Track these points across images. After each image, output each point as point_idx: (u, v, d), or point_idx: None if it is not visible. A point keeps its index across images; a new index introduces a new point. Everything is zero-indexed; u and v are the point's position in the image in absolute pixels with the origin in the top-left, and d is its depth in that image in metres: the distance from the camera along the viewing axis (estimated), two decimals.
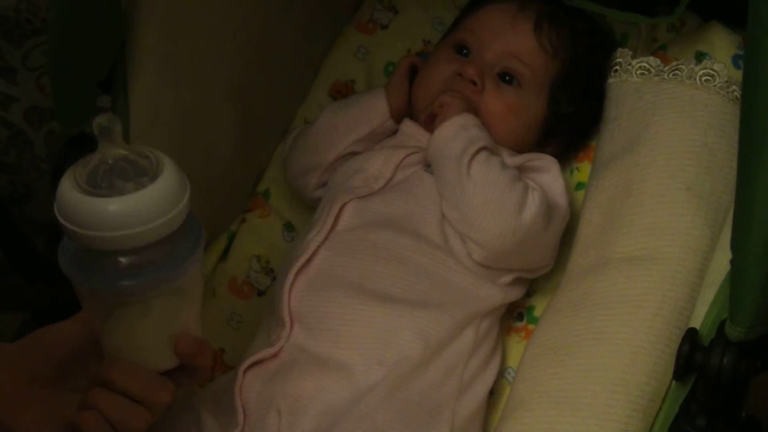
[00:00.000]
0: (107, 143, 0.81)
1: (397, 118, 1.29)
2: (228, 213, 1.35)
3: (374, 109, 1.29)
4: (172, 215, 0.81)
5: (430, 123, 1.23)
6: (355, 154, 1.29)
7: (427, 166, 1.22)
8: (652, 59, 1.24)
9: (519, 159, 1.23)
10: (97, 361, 0.88)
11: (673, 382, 1.00)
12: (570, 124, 1.29)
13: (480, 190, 1.15)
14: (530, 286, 1.27)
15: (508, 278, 1.20)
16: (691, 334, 0.95)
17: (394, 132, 1.30)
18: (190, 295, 0.88)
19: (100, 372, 0.87)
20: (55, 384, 0.88)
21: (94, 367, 0.88)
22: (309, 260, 1.18)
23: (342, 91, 1.42)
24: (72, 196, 0.79)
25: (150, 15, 1.08)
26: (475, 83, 1.23)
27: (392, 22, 1.44)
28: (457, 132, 1.18)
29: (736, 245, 0.87)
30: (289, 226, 1.36)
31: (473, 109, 1.22)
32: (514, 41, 1.25)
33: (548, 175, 1.23)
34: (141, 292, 0.83)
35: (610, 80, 1.27)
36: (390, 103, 1.28)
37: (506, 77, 1.25)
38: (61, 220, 0.80)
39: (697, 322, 0.98)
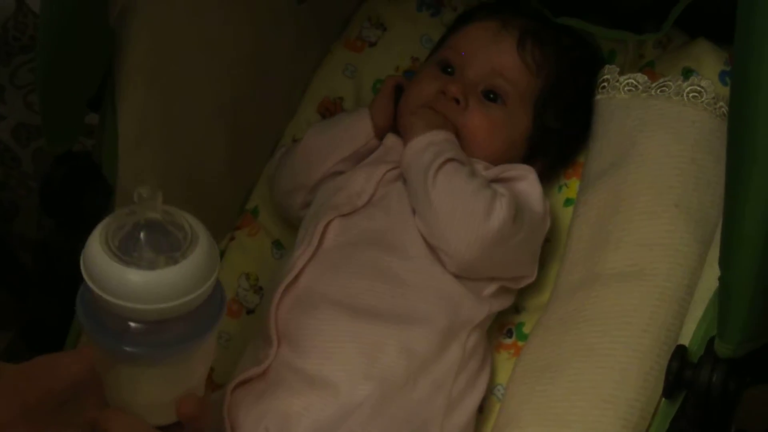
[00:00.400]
0: (144, 208, 0.79)
1: (381, 137, 1.29)
2: (217, 231, 1.33)
3: (358, 129, 1.29)
4: (196, 295, 0.79)
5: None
6: (340, 173, 1.29)
7: (405, 181, 1.22)
8: (639, 76, 1.24)
9: (494, 171, 1.23)
10: (96, 401, 0.86)
11: (663, 399, 1.00)
12: (557, 140, 1.29)
13: (445, 199, 1.15)
14: (519, 303, 1.27)
15: (491, 289, 1.20)
16: (680, 351, 0.95)
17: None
18: (201, 359, 0.86)
19: (99, 420, 0.84)
20: (48, 418, 0.84)
21: (92, 407, 0.85)
22: (296, 278, 1.17)
23: (330, 109, 1.42)
24: (100, 256, 0.77)
25: (138, 33, 1.08)
26: (458, 101, 1.23)
27: (380, 40, 1.44)
28: (426, 146, 1.18)
29: (724, 262, 0.87)
30: (278, 244, 1.36)
31: (450, 126, 1.22)
32: (497, 59, 1.26)
33: (525, 182, 1.22)
34: (149, 360, 0.81)
35: (598, 97, 1.27)
36: (374, 122, 1.29)
37: (490, 95, 1.25)
38: (84, 274, 0.78)
39: (686, 339, 0.98)
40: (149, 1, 1.08)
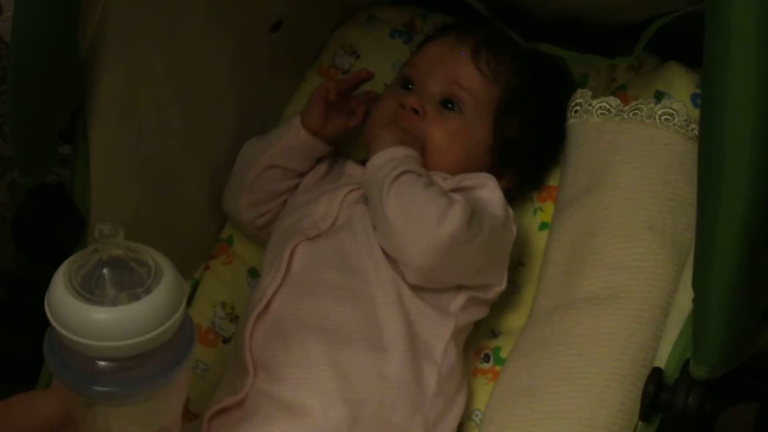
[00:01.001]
0: (107, 245, 0.79)
1: (312, 131, 1.29)
2: (192, 260, 1.35)
3: (288, 126, 1.31)
4: (161, 331, 0.78)
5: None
6: (279, 167, 1.30)
7: (366, 199, 1.23)
8: (612, 99, 1.25)
9: (453, 181, 1.23)
10: None
11: (640, 422, 1.00)
12: (522, 152, 1.29)
13: (398, 208, 1.15)
14: (496, 327, 1.27)
15: (459, 301, 1.20)
16: (656, 374, 0.96)
17: (323, 152, 1.31)
18: (174, 394, 0.85)
19: None
20: None
21: None
22: (267, 305, 1.17)
23: None
24: (63, 295, 0.77)
25: (108, 66, 1.07)
26: (416, 111, 1.24)
27: (353, 67, 1.45)
28: (386, 162, 1.19)
29: (697, 284, 0.87)
30: (253, 272, 1.35)
31: (416, 143, 1.23)
32: (452, 68, 1.27)
33: (485, 190, 1.22)
34: (119, 398, 0.80)
35: (571, 121, 1.28)
36: (303, 121, 1.29)
37: (448, 104, 1.26)
38: (49, 314, 0.78)
39: (661, 362, 0.98)
40: (118, 35, 1.07)
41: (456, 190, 1.21)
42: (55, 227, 1.08)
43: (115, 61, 1.08)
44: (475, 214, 1.16)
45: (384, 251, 1.18)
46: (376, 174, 1.18)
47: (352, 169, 1.29)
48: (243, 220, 1.33)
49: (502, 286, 1.22)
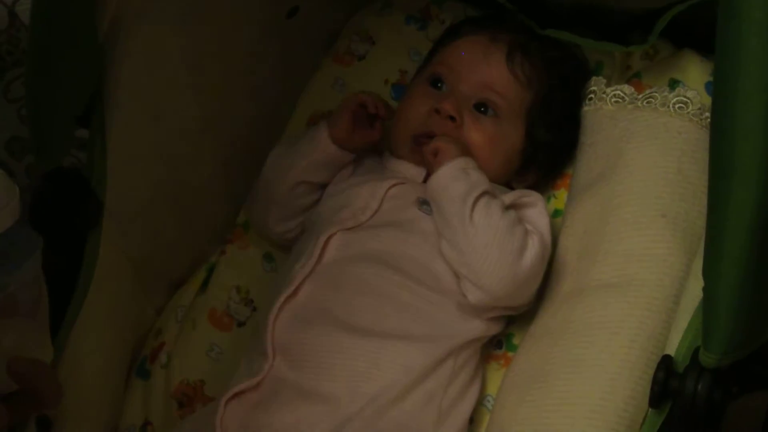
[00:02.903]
0: None
1: (340, 143, 1.28)
2: (208, 245, 1.36)
3: (315, 140, 1.29)
4: None
5: (416, 152, 1.24)
6: (308, 183, 1.29)
7: (421, 204, 1.22)
8: (626, 87, 1.25)
9: (511, 196, 1.23)
10: None
11: (650, 408, 1.00)
12: (548, 152, 1.30)
13: (482, 234, 1.15)
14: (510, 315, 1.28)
15: (492, 314, 1.20)
16: (666, 361, 0.96)
17: (349, 160, 1.30)
18: (23, 313, 0.85)
19: None
20: None
21: None
22: (294, 292, 1.18)
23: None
24: None
25: (127, 50, 1.08)
26: (453, 118, 1.24)
27: (369, 53, 1.45)
28: (457, 174, 1.18)
29: (707, 272, 0.88)
30: (268, 257, 1.36)
31: (467, 151, 1.22)
32: (487, 73, 1.26)
33: (535, 210, 1.23)
34: None
35: (585, 108, 1.28)
36: (330, 132, 1.28)
37: (481, 108, 1.26)
38: None
39: (671, 349, 0.99)
40: (137, 19, 1.08)
41: (512, 205, 1.21)
42: (72, 211, 1.09)
43: (133, 46, 1.09)
44: (545, 246, 1.18)
45: (435, 260, 1.18)
46: (449, 186, 1.17)
47: (395, 164, 1.28)
48: (272, 234, 1.33)
49: (530, 305, 1.23)
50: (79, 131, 1.11)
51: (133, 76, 1.11)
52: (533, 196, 1.24)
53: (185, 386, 1.26)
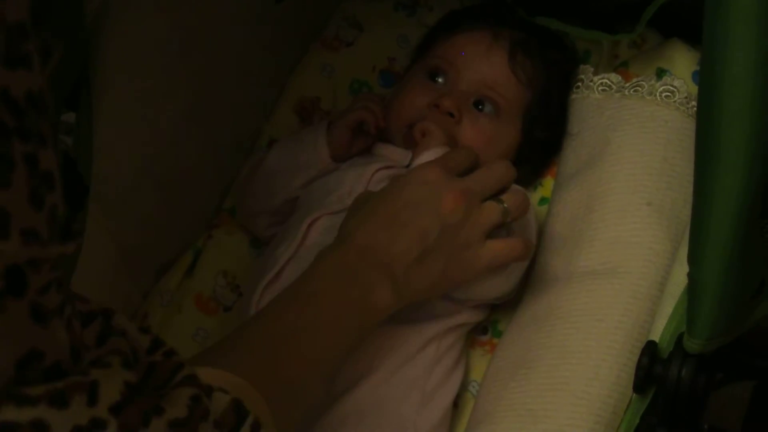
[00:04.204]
0: None
1: (338, 158, 1.29)
2: (194, 229, 1.36)
3: (315, 155, 1.29)
4: None
5: (409, 139, 1.25)
6: (298, 196, 1.29)
7: None
8: (613, 76, 1.25)
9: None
10: None
11: (634, 394, 1.01)
12: (542, 149, 1.31)
13: None
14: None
15: (476, 302, 1.21)
16: (650, 347, 0.96)
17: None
18: None
19: None
20: None
21: None
22: (277, 275, 1.18)
23: (308, 108, 1.42)
24: None
25: (114, 33, 1.08)
26: (452, 115, 1.24)
27: (357, 40, 1.45)
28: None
29: (692, 258, 0.88)
30: (255, 243, 1.36)
31: (453, 141, 1.22)
32: (489, 72, 1.26)
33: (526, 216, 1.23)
34: None
35: (573, 96, 1.28)
36: (331, 149, 1.28)
37: (480, 106, 1.26)
38: None
39: (656, 335, 0.99)
40: (125, 2, 1.08)
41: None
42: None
43: (121, 28, 1.08)
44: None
45: None
46: None
47: (382, 149, 1.29)
48: (261, 235, 1.34)
49: (512, 294, 1.23)
50: (65, 114, 1.10)
51: (120, 59, 1.10)
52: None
53: None
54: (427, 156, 1.16)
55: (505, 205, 1.08)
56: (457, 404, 1.20)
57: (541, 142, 1.30)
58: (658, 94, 1.21)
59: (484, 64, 1.26)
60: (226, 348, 0.92)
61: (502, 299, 1.22)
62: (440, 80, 1.27)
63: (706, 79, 0.82)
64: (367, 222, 1.05)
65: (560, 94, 1.31)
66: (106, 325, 0.70)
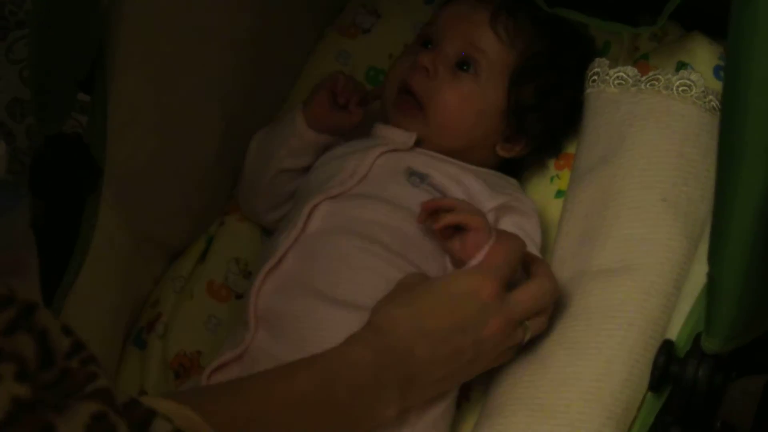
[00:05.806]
0: None
1: (317, 127, 1.29)
2: (207, 215, 1.35)
3: (292, 125, 1.30)
4: None
5: (400, 108, 1.26)
6: (289, 171, 1.30)
7: (410, 175, 1.22)
8: (629, 69, 1.24)
9: (501, 198, 1.23)
10: None
11: (649, 392, 1.00)
12: (537, 119, 1.29)
13: None
14: None
15: None
16: (667, 346, 0.96)
17: (330, 142, 1.31)
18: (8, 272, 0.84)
19: None
20: None
21: None
22: (278, 263, 1.17)
23: None
24: None
25: (129, 16, 1.07)
26: (427, 70, 1.24)
27: (374, 27, 1.44)
28: None
29: (712, 257, 0.87)
30: (267, 230, 1.35)
31: (429, 98, 1.24)
32: (470, 30, 1.27)
33: (531, 222, 1.23)
34: None
35: (588, 90, 1.27)
36: (306, 117, 1.29)
37: (463, 66, 1.26)
38: None
39: (673, 334, 0.98)
40: None
41: (501, 208, 1.21)
42: (72, 176, 1.09)
43: (136, 11, 1.08)
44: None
45: (419, 236, 1.18)
46: None
47: (384, 130, 1.29)
48: (265, 222, 1.34)
49: None
50: (80, 95, 1.10)
51: (135, 43, 1.10)
52: (527, 205, 1.24)
53: (182, 357, 1.26)
54: (480, 256, 1.11)
55: (530, 330, 1.11)
56: (469, 397, 1.19)
57: (534, 111, 1.28)
58: (674, 89, 1.20)
59: (465, 24, 1.27)
60: (217, 388, 0.91)
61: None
62: (429, 46, 1.28)
63: (733, 77, 0.80)
64: (411, 319, 1.05)
65: (556, 61, 1.29)
66: (20, 318, 0.66)
